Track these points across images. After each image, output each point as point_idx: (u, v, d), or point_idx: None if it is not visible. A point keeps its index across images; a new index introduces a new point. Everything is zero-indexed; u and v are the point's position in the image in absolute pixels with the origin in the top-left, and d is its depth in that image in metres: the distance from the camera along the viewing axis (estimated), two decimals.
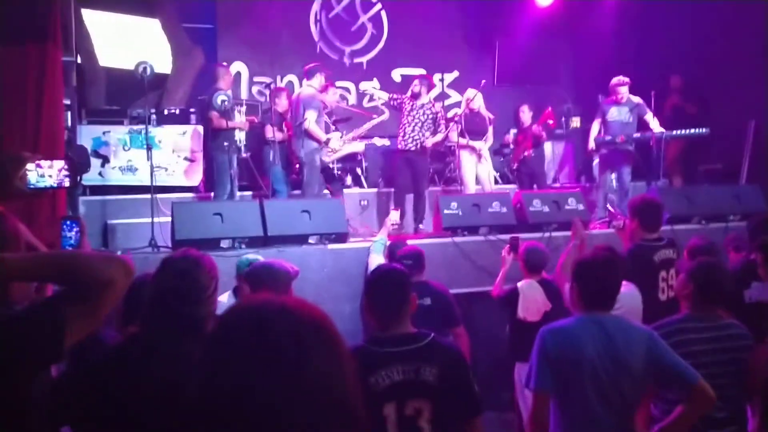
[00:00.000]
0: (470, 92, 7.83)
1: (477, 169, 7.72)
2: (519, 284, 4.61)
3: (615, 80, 7.72)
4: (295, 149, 7.21)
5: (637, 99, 7.73)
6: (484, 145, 7.75)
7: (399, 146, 7.46)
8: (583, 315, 2.78)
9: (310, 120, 6.94)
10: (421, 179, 7.50)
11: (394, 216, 6.02)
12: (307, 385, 0.99)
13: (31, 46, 5.59)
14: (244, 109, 7.30)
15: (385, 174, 8.71)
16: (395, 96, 7.77)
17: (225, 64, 7.83)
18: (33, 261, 1.62)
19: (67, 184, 3.34)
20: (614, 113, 7.67)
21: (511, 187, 8.34)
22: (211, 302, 2.18)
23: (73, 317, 1.50)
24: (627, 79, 7.73)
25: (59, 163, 3.28)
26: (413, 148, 7.38)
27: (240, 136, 7.05)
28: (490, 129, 7.86)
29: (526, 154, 8.09)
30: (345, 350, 1.06)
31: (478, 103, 7.76)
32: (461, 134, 7.59)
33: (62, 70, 5.88)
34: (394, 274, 2.67)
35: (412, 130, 7.36)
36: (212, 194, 7.25)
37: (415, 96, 7.45)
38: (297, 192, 7.53)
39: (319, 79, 7.33)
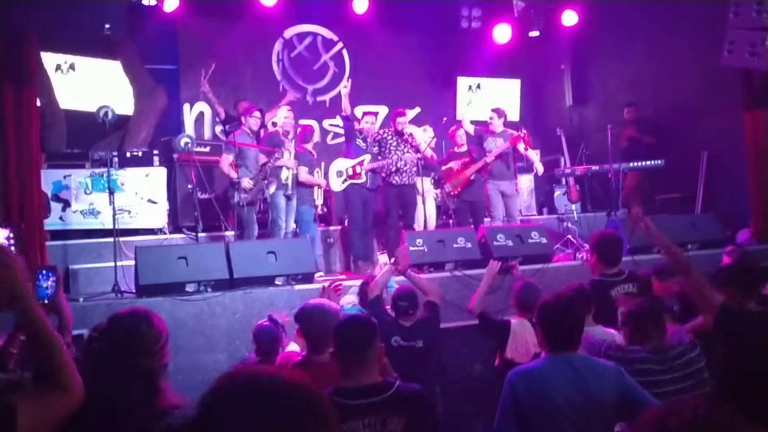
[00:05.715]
0: (421, 132, 7.96)
1: (425, 207, 7.73)
2: (512, 321, 4.25)
3: (490, 111, 7.92)
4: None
5: (511, 131, 7.84)
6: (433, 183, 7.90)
7: (393, 181, 7.45)
8: (551, 355, 2.81)
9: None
10: (410, 211, 7.63)
11: (382, 260, 5.97)
12: None
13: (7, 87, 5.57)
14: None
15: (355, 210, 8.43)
16: (379, 131, 7.77)
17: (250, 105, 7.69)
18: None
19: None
20: (491, 143, 7.74)
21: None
22: (161, 355, 2.21)
23: (26, 409, 1.55)
24: (502, 109, 7.95)
25: (4, 232, 3.19)
26: (408, 182, 7.48)
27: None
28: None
29: (472, 177, 7.66)
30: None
31: (425, 144, 7.81)
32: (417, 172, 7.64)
33: (37, 111, 5.83)
34: (359, 323, 2.70)
35: (405, 164, 7.44)
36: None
37: (400, 133, 7.53)
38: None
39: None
